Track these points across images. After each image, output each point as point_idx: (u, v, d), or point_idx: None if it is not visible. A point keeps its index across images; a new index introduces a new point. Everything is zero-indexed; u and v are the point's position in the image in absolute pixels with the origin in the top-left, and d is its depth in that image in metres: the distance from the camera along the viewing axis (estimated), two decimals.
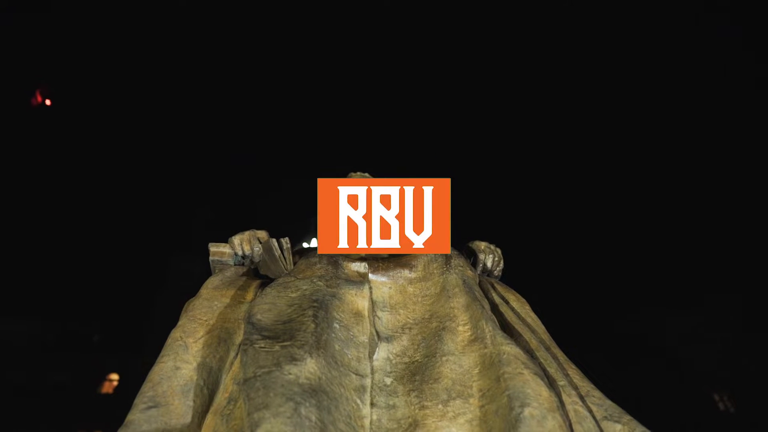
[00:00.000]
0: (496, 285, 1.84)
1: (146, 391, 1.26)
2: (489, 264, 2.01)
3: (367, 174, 2.91)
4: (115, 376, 27.39)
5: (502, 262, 2.06)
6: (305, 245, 2.74)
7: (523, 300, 1.80)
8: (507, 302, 1.73)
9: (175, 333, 1.42)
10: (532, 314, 1.72)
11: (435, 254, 1.62)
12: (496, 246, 2.09)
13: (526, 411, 1.11)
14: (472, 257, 2.07)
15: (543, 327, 1.67)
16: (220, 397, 1.32)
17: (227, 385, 1.34)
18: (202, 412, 1.27)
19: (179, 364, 1.33)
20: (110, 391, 27.13)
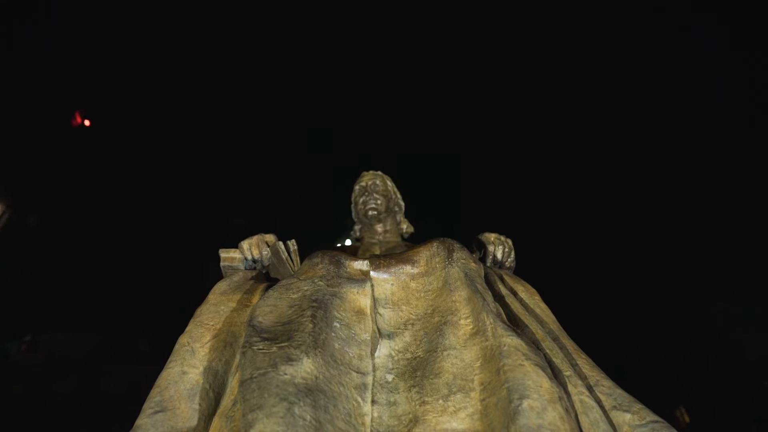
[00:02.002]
0: (504, 276, 1.81)
1: (153, 396, 1.29)
2: (499, 255, 1.97)
3: (379, 172, 2.92)
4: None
5: (513, 252, 2.02)
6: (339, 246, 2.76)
7: (533, 290, 1.76)
8: (515, 293, 1.69)
9: (183, 338, 1.45)
10: (542, 304, 1.68)
11: (437, 248, 1.60)
12: (507, 236, 2.05)
13: (525, 403, 1.09)
14: (482, 249, 2.04)
15: (553, 317, 1.63)
16: (227, 400, 1.34)
17: (233, 387, 1.36)
18: (208, 415, 1.30)
19: (186, 368, 1.36)
20: None
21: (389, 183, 2.84)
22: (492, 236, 2.03)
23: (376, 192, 2.70)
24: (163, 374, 1.35)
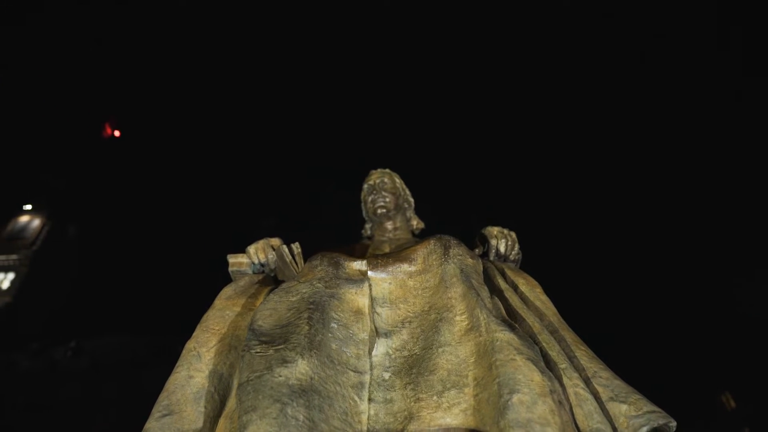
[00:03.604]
0: (506, 270, 1.81)
1: (161, 400, 1.35)
2: (502, 249, 1.97)
3: (387, 170, 2.93)
4: None
5: (516, 245, 2.02)
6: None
7: (535, 283, 1.76)
8: (516, 287, 1.69)
9: (189, 344, 1.51)
10: (543, 297, 1.67)
11: (434, 245, 1.61)
12: (510, 230, 2.04)
13: (515, 397, 1.10)
14: (485, 243, 2.04)
15: (554, 309, 1.62)
16: (231, 402, 1.39)
17: (236, 388, 1.40)
18: (214, 417, 1.35)
19: (192, 372, 1.41)
20: None
21: (397, 180, 2.84)
22: (495, 230, 2.03)
23: (384, 190, 2.71)
24: (171, 379, 1.41)
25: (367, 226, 2.84)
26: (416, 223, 2.81)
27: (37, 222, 43.42)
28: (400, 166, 3.04)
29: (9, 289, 39.42)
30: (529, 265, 2.13)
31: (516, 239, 2.02)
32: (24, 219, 43.71)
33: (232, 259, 1.99)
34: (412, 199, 2.87)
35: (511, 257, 2.00)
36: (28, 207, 44.03)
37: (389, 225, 2.68)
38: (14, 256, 40.81)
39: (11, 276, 40.12)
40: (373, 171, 2.89)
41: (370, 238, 2.78)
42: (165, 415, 1.30)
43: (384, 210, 2.66)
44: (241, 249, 2.03)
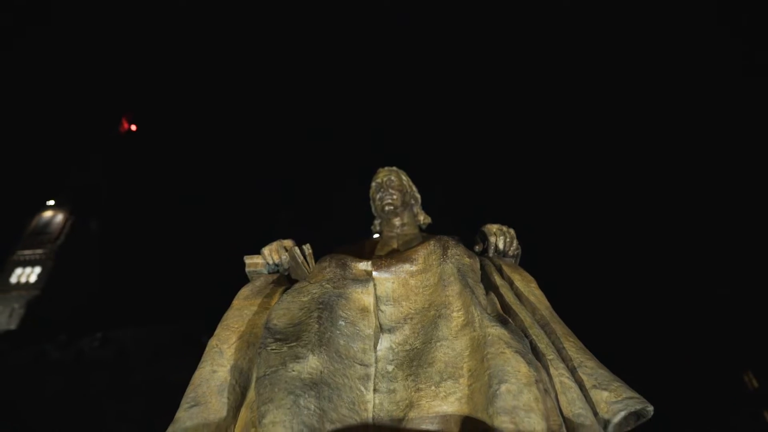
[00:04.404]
0: (503, 266, 1.92)
1: (189, 393, 1.50)
2: (501, 245, 2.07)
3: (394, 168, 3.04)
4: None
5: (515, 242, 2.12)
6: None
7: (530, 278, 1.86)
8: (512, 282, 1.81)
9: (212, 341, 1.65)
10: (537, 292, 1.78)
11: (434, 246, 1.73)
12: (509, 227, 2.14)
13: (503, 387, 1.22)
14: (485, 240, 2.15)
15: (546, 303, 1.74)
16: (251, 393, 1.53)
17: (254, 382, 1.55)
18: (236, 407, 1.50)
19: (215, 367, 1.56)
20: None
21: (404, 177, 2.94)
22: (494, 227, 2.13)
23: (391, 188, 2.81)
24: (196, 373, 1.56)
25: (376, 221, 2.95)
26: (423, 218, 2.90)
27: (60, 217, 44.46)
28: (409, 164, 3.15)
29: (36, 282, 40.62)
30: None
31: (514, 236, 2.12)
32: (48, 214, 44.80)
33: (248, 260, 2.13)
34: (418, 195, 2.96)
35: (510, 253, 2.10)
36: (51, 203, 45.10)
37: (397, 221, 2.78)
38: (40, 251, 41.97)
39: (38, 270, 41.28)
40: (381, 169, 2.98)
41: (379, 233, 2.89)
42: (192, 406, 1.45)
43: (391, 207, 2.75)
44: (257, 242, 2.16)
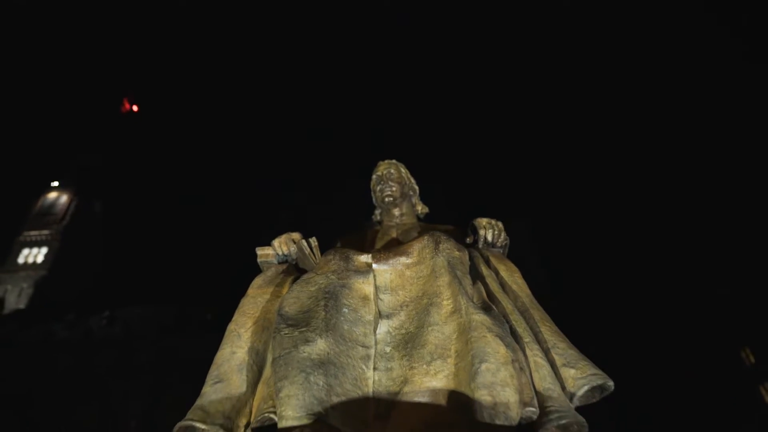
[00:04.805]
0: (490, 258, 2.12)
1: (213, 371, 1.72)
2: (490, 237, 2.27)
3: (394, 161, 3.21)
4: None
5: (503, 234, 2.31)
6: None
7: (515, 268, 2.07)
8: (497, 272, 2.01)
9: (231, 326, 1.87)
10: (520, 281, 1.99)
11: (427, 241, 1.93)
12: (497, 220, 2.34)
13: (483, 366, 1.44)
14: (476, 233, 2.34)
15: (527, 291, 1.94)
16: (267, 371, 1.76)
17: (270, 362, 1.77)
18: (254, 383, 1.72)
19: (235, 349, 1.78)
20: None
21: (403, 170, 3.12)
22: (483, 221, 2.32)
23: (391, 180, 3.00)
24: (218, 354, 1.78)
25: (377, 212, 3.13)
26: (421, 208, 3.09)
27: (64, 198, 44.86)
28: (408, 157, 3.32)
29: (43, 263, 41.20)
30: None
31: (502, 228, 2.32)
32: (52, 195, 45.20)
33: (260, 251, 2.33)
34: (416, 187, 3.15)
35: (498, 244, 2.30)
36: (56, 184, 45.45)
37: (396, 211, 2.97)
38: (46, 232, 42.46)
39: (44, 250, 41.84)
40: (381, 162, 3.16)
41: (379, 222, 3.09)
42: (217, 382, 1.67)
43: (391, 198, 2.94)
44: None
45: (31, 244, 41.84)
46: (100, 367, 30.04)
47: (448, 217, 3.18)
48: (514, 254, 2.30)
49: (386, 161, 3.17)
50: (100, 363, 30.35)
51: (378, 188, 3.02)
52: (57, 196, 44.50)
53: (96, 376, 29.52)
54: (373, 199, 3.17)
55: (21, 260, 41.06)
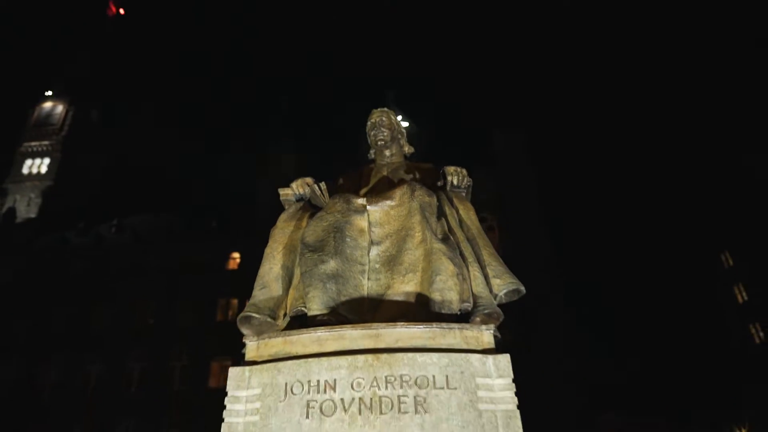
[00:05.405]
0: (454, 198, 2.84)
1: (258, 281, 2.53)
2: (455, 182, 2.97)
3: (385, 109, 3.82)
4: (236, 255, 31.78)
5: (466, 179, 3.02)
6: None
7: (470, 207, 2.80)
8: (457, 210, 2.76)
9: (267, 249, 2.65)
10: (473, 217, 2.74)
11: (406, 189, 2.65)
12: (462, 168, 3.04)
13: (437, 277, 2.25)
14: (445, 178, 3.05)
15: (478, 225, 2.70)
16: (296, 280, 2.56)
17: (297, 275, 2.57)
18: (287, 289, 2.53)
19: (272, 265, 2.57)
20: (235, 267, 31.69)
21: (393, 117, 3.74)
22: (451, 168, 3.02)
23: (382, 126, 3.62)
24: (261, 269, 2.57)
25: (371, 151, 3.80)
26: (407, 148, 3.74)
27: (60, 108, 44.55)
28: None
29: (48, 173, 41.94)
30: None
31: (466, 174, 3.02)
32: (48, 105, 44.86)
33: (282, 191, 3.07)
34: (404, 131, 3.79)
35: (462, 186, 3.02)
36: (49, 93, 44.87)
37: (387, 152, 3.63)
38: (46, 142, 42.74)
39: (47, 161, 42.39)
40: (375, 110, 3.76)
41: (373, 161, 3.77)
42: (262, 288, 2.48)
43: (383, 142, 3.59)
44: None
45: (33, 155, 42.31)
46: (114, 271, 31.66)
47: (430, 156, 3.86)
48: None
49: (379, 109, 3.77)
50: (113, 267, 31.94)
51: (372, 133, 3.65)
52: (52, 106, 44.17)
53: (111, 278, 31.18)
54: (368, 141, 3.83)
55: (25, 171, 41.76)
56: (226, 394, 2.00)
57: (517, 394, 1.87)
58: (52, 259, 32.40)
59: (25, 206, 39.51)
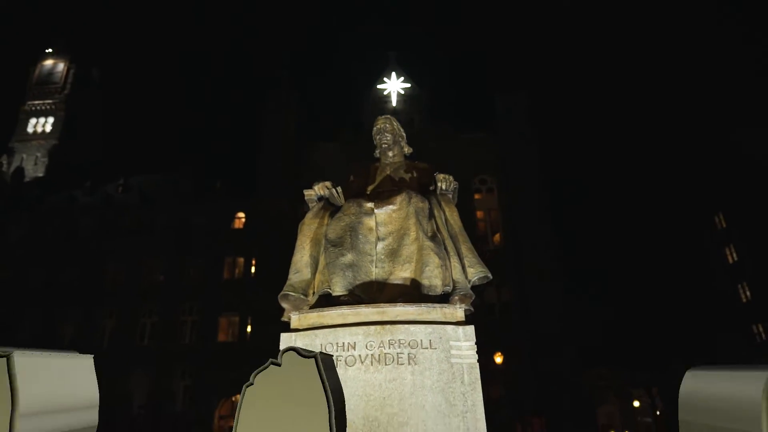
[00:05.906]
0: (442, 201, 3.62)
1: (292, 267, 3.34)
2: (444, 186, 3.75)
3: (389, 116, 4.52)
4: (241, 214, 32.63)
5: (453, 184, 3.79)
6: None
7: (454, 209, 3.58)
8: (444, 212, 3.55)
9: (298, 242, 3.45)
10: (456, 217, 3.52)
11: (405, 196, 3.41)
12: (450, 175, 3.81)
13: (426, 268, 3.07)
14: (436, 184, 3.82)
15: (460, 224, 3.49)
16: (321, 266, 3.38)
17: (322, 263, 3.38)
18: (314, 273, 3.34)
19: (302, 254, 3.38)
20: (240, 226, 32.60)
21: (395, 123, 4.45)
22: (441, 176, 3.78)
23: (386, 131, 4.34)
24: (293, 258, 3.38)
25: (377, 152, 4.53)
26: (407, 149, 4.47)
27: (61, 66, 44.39)
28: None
29: (52, 132, 42.30)
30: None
31: (452, 180, 3.80)
32: (49, 63, 44.67)
33: (306, 192, 3.84)
34: (404, 134, 4.52)
35: (450, 189, 3.80)
36: (50, 50, 44.56)
37: (390, 153, 4.37)
38: (49, 101, 42.88)
39: (51, 120, 42.65)
40: (380, 117, 4.47)
41: (378, 160, 4.51)
42: (296, 273, 3.30)
43: (386, 145, 4.33)
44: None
45: (38, 114, 42.51)
46: (123, 230, 32.57)
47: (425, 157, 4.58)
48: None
49: (383, 117, 4.49)
50: (121, 225, 32.84)
51: (377, 137, 4.38)
52: (53, 64, 44.02)
53: (120, 236, 32.11)
54: (374, 143, 4.56)
55: (30, 129, 42.09)
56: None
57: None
58: (61, 218, 33.27)
59: (33, 165, 40.09)
